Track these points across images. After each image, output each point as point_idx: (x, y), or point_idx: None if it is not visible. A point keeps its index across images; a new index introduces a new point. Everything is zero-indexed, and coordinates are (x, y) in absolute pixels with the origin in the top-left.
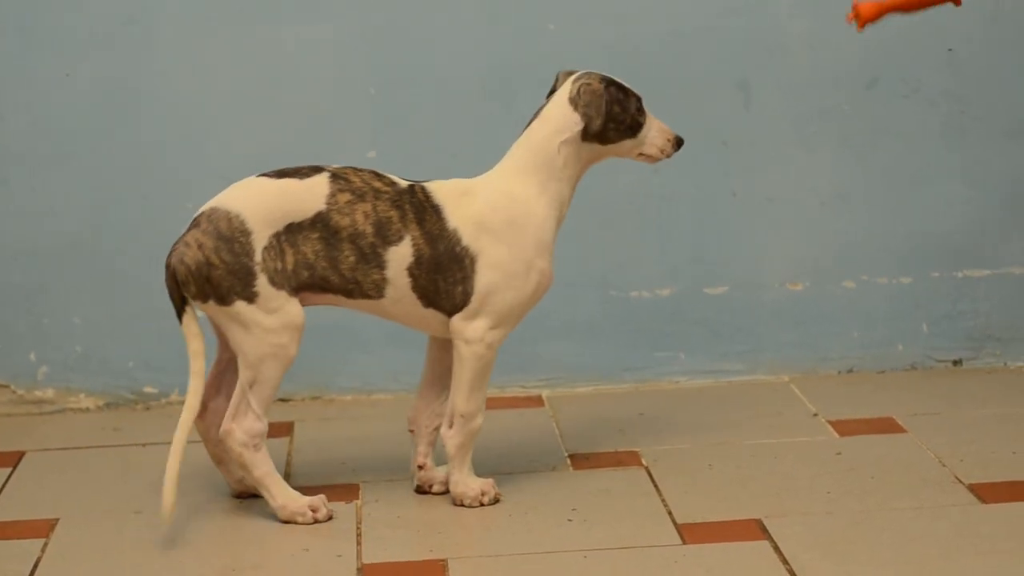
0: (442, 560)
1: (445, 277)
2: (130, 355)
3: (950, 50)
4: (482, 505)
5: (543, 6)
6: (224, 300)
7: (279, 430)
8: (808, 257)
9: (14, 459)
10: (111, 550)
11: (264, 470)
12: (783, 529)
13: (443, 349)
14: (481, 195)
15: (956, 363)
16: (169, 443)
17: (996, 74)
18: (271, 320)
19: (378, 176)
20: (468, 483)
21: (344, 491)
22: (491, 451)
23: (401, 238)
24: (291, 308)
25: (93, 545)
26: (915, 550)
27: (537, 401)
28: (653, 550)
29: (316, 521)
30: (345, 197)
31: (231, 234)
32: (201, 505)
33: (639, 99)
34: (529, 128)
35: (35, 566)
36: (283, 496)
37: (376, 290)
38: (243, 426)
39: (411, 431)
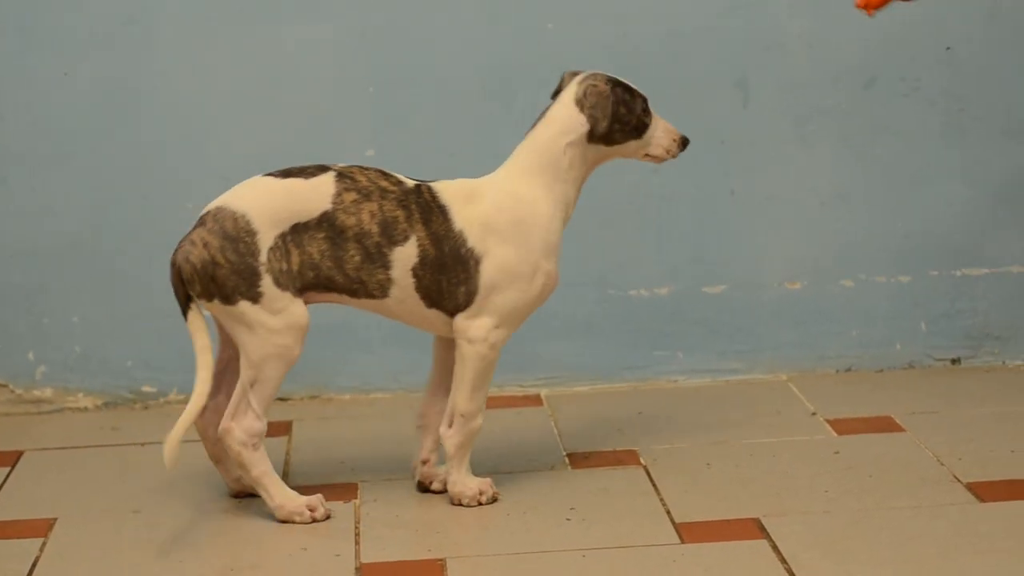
0: (440, 559)
1: (449, 278)
2: (129, 355)
3: (949, 49)
4: (480, 504)
5: (542, 6)
6: (229, 300)
7: (277, 429)
8: (807, 256)
9: (12, 459)
10: (109, 550)
11: (262, 469)
12: (781, 528)
13: (450, 348)
14: (488, 196)
15: (954, 362)
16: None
17: (995, 73)
18: (275, 321)
19: (384, 175)
20: (466, 482)
21: (342, 490)
22: (490, 450)
23: (407, 238)
24: (295, 309)
25: (91, 544)
26: (913, 549)
27: (536, 400)
28: (652, 549)
29: (314, 520)
30: (351, 196)
31: (237, 234)
32: (199, 505)
33: (645, 100)
34: (534, 129)
35: (33, 565)
36: (280, 496)
37: (381, 290)
38: (242, 425)
39: (419, 426)
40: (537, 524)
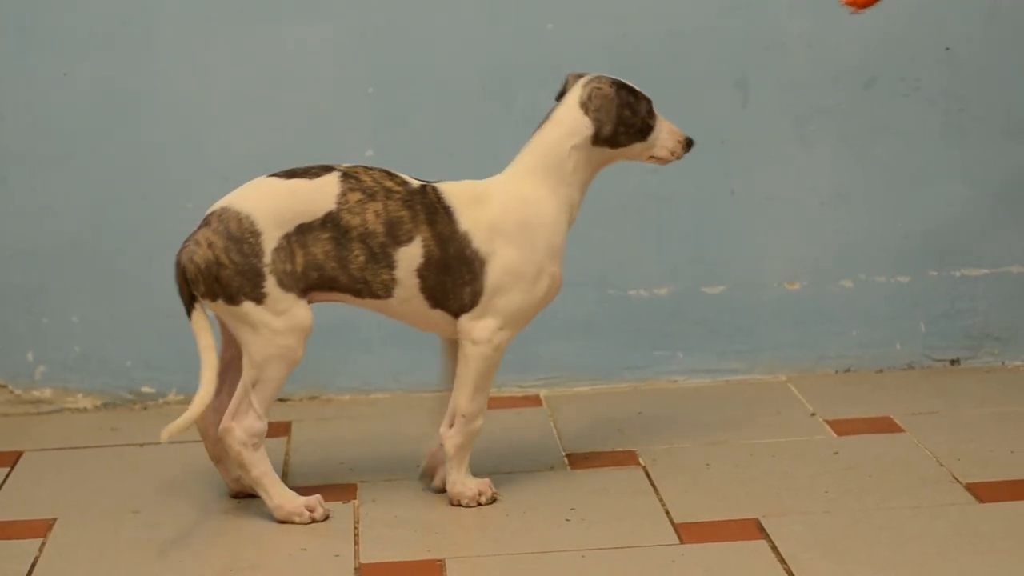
0: (440, 560)
1: (453, 279)
2: (128, 355)
3: (948, 49)
4: (479, 505)
5: (542, 6)
6: (232, 300)
7: (277, 430)
8: (806, 256)
9: (12, 459)
10: (109, 550)
11: (262, 469)
12: (781, 528)
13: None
14: (494, 198)
15: (954, 362)
16: (166, 443)
17: (995, 73)
18: (279, 322)
19: (390, 175)
20: (466, 483)
21: (342, 491)
22: (489, 451)
23: (411, 238)
24: (299, 311)
25: (91, 545)
26: (913, 549)
27: (535, 401)
28: (651, 549)
29: (313, 521)
30: (356, 196)
31: (241, 234)
32: (199, 505)
33: (649, 102)
34: (539, 132)
35: (33, 566)
36: (280, 496)
37: (385, 290)
38: (243, 425)
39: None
40: (536, 524)
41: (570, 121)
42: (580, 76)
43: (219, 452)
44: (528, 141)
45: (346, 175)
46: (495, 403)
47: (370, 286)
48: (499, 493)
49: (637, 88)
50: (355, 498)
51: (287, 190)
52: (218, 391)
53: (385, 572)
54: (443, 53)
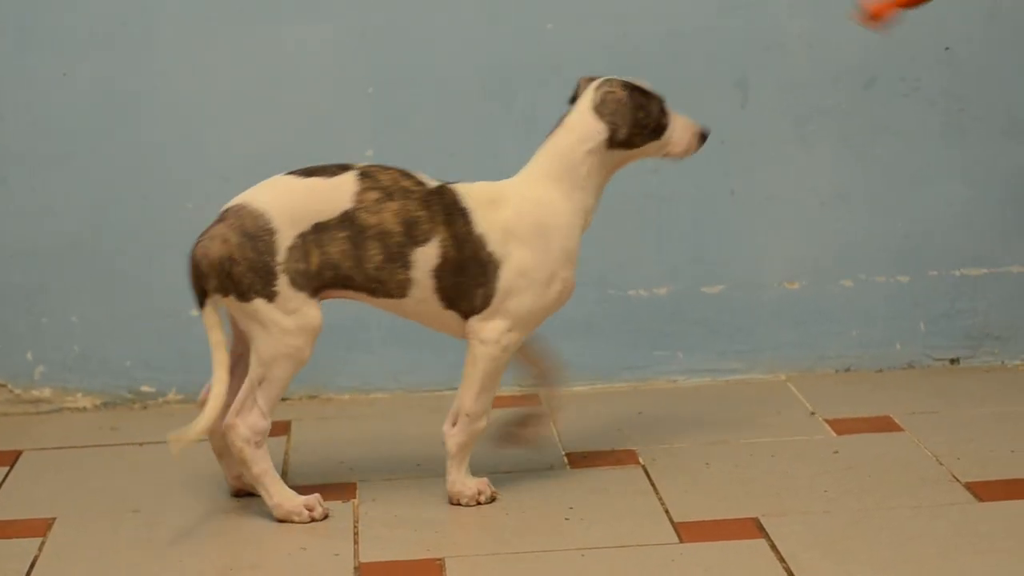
0: (439, 559)
1: (467, 280)
2: (128, 354)
3: (948, 49)
4: (479, 504)
5: (542, 6)
6: (244, 297)
7: (276, 429)
8: (806, 256)
9: (11, 458)
10: (108, 549)
11: (263, 467)
12: (781, 528)
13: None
14: (510, 202)
15: (954, 362)
16: (165, 442)
17: (995, 73)
18: (288, 321)
19: (406, 175)
20: (465, 482)
21: (341, 490)
22: (489, 450)
23: (429, 239)
24: (309, 311)
25: (90, 544)
26: (913, 549)
27: (534, 400)
28: (650, 549)
29: (312, 520)
30: (373, 195)
31: (256, 232)
32: (199, 505)
33: (661, 101)
34: (553, 137)
35: (32, 565)
36: (279, 495)
37: (400, 290)
38: (247, 422)
39: (552, 408)
40: (536, 524)
41: (584, 126)
42: (591, 80)
43: (223, 447)
44: (541, 146)
45: (364, 174)
46: (495, 403)
47: (385, 285)
48: (498, 492)
49: (649, 88)
50: (355, 497)
51: (304, 188)
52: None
53: (384, 571)
54: (443, 53)
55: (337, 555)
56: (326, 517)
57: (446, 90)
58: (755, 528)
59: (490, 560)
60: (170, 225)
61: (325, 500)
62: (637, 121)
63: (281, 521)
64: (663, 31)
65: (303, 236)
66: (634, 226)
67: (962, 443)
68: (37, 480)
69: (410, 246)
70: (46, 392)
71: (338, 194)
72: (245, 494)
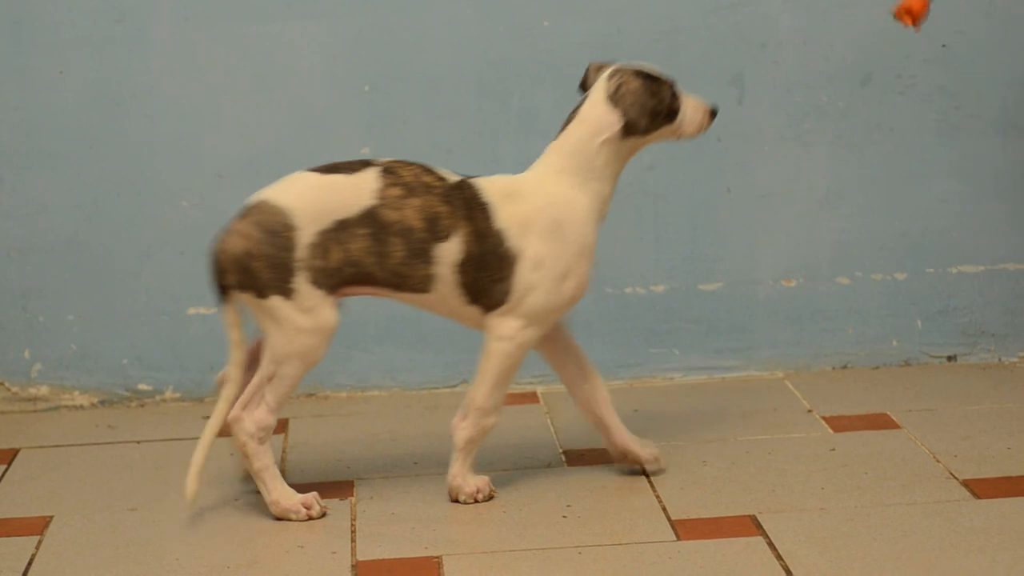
0: (436, 557)
1: (489, 275)
2: (124, 352)
3: (944, 46)
4: (476, 502)
5: (537, 3)
6: (262, 293)
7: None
8: (803, 253)
9: (8, 456)
10: (105, 547)
11: (264, 463)
12: (778, 525)
13: (552, 352)
14: (526, 195)
15: (950, 359)
16: (162, 440)
17: (990, 70)
18: (304, 320)
19: (427, 170)
20: (467, 478)
21: (338, 488)
22: (486, 448)
23: (451, 234)
24: (325, 311)
25: (87, 543)
26: (909, 546)
27: (532, 398)
28: (648, 546)
29: (310, 518)
30: (396, 192)
31: (277, 228)
32: (196, 503)
33: (672, 85)
34: (567, 128)
35: (29, 564)
36: (278, 492)
37: (423, 284)
38: (254, 416)
39: (594, 424)
40: (533, 521)
41: (598, 117)
42: (602, 67)
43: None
44: (556, 138)
45: (386, 170)
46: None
47: (408, 280)
48: (496, 491)
49: (658, 74)
50: (352, 495)
51: (326, 185)
52: (247, 373)
53: (382, 569)
54: (439, 50)
55: (334, 553)
56: (324, 515)
57: (442, 87)
58: (752, 525)
59: (487, 558)
60: (166, 223)
61: (323, 498)
62: (651, 109)
63: (278, 519)
64: (659, 28)
65: (324, 233)
66: (630, 224)
67: (959, 440)
68: (34, 478)
69: (432, 242)
70: (43, 390)
71: (360, 190)
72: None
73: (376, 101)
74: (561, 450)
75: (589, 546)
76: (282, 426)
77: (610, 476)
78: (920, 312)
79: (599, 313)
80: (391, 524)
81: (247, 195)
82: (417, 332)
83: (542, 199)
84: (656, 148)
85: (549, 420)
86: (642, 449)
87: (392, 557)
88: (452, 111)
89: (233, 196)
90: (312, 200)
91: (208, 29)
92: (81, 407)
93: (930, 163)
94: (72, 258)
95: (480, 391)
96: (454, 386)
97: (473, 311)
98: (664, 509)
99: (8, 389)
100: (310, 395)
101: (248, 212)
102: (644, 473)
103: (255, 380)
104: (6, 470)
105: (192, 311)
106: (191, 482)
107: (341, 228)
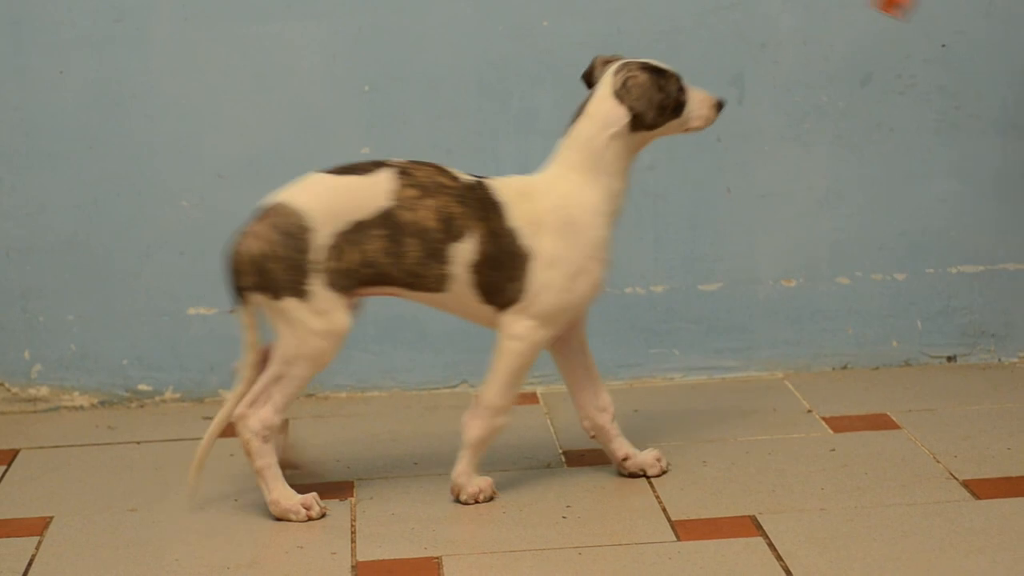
0: (436, 557)
1: (503, 274)
2: (124, 353)
3: (944, 46)
4: (477, 502)
5: (537, 3)
6: (277, 294)
7: None
8: (802, 253)
9: (8, 457)
10: (105, 548)
11: (266, 462)
12: (778, 525)
13: (564, 355)
14: (539, 195)
15: (950, 359)
16: (162, 440)
17: (990, 70)
18: (317, 322)
19: (441, 171)
20: (471, 477)
21: (338, 488)
22: (487, 448)
23: (466, 234)
24: (339, 315)
25: (87, 543)
26: (909, 546)
27: (532, 398)
28: (647, 547)
29: (309, 519)
30: (411, 192)
31: (293, 230)
32: (196, 503)
33: (678, 78)
34: (575, 126)
35: (29, 564)
36: (278, 491)
37: (438, 284)
38: (259, 415)
39: (593, 437)
40: (533, 522)
41: (605, 112)
42: (608, 61)
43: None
44: (564, 136)
45: (401, 171)
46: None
47: (424, 280)
48: (496, 492)
49: (665, 67)
50: (352, 496)
51: (342, 187)
52: (260, 368)
53: (382, 569)
54: (439, 50)
55: (334, 553)
56: (324, 516)
57: (442, 87)
58: (752, 526)
59: (487, 558)
60: (166, 223)
61: (322, 498)
62: (658, 102)
63: (278, 519)
64: (659, 28)
65: (340, 235)
66: (630, 224)
67: (959, 440)
68: (34, 479)
69: (448, 242)
70: (43, 391)
71: (375, 192)
72: (290, 467)
73: (376, 101)
74: (561, 450)
75: (589, 546)
76: (282, 426)
77: (610, 476)
78: (920, 312)
79: (599, 313)
80: (391, 524)
81: (247, 195)
82: (417, 332)
83: (554, 198)
84: (656, 148)
85: (549, 420)
86: (644, 455)
87: (392, 557)
88: (452, 111)
89: (233, 196)
90: (328, 202)
91: (208, 29)
92: (81, 407)
93: (930, 163)
94: (72, 258)
95: (492, 390)
96: (454, 386)
97: (487, 310)
98: (664, 509)
99: (8, 389)
100: (310, 395)
101: (264, 214)
102: (644, 473)
103: (263, 379)
104: (6, 471)
105: (192, 311)
106: (194, 471)
107: (357, 229)
